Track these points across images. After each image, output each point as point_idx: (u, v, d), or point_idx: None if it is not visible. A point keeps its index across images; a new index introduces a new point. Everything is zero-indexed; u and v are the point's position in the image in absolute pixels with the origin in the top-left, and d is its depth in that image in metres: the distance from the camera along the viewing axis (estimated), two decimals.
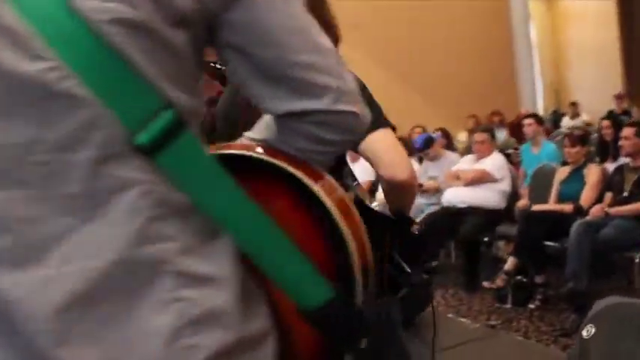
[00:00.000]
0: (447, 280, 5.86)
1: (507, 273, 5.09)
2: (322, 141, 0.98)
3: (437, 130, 7.76)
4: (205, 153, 0.89)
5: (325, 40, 0.97)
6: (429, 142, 6.41)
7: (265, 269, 0.91)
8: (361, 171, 7.46)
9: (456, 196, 5.84)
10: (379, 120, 1.68)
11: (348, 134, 0.99)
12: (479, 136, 5.93)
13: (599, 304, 3.18)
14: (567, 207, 5.08)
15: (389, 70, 10.68)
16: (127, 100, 0.82)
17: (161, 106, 0.83)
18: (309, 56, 0.93)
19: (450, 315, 4.73)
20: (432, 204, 6.23)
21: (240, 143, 1.12)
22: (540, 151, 6.51)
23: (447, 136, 7.57)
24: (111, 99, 0.81)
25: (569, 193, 5.20)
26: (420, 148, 6.50)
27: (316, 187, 0.98)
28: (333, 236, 0.98)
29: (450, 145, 7.51)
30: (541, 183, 5.73)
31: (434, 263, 6.10)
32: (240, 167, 0.94)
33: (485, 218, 5.62)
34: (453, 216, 5.76)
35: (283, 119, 0.98)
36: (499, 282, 5.13)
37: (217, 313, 0.84)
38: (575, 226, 4.59)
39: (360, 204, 1.87)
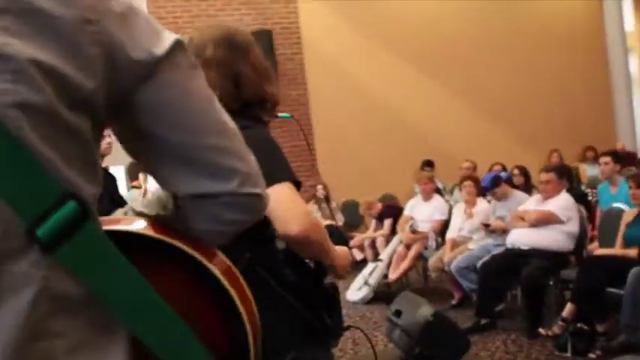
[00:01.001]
0: (512, 324, 5.65)
1: (564, 320, 4.85)
2: (226, 222, 0.99)
3: (515, 167, 7.57)
4: (109, 243, 0.84)
5: (229, 119, 0.97)
6: (496, 182, 6.26)
7: (164, 357, 0.88)
8: (433, 210, 7.41)
9: (520, 237, 5.65)
10: (275, 175, 1.68)
11: (253, 215, 1.01)
12: (544, 176, 5.71)
13: None
14: (632, 252, 4.80)
15: (475, 105, 10.51)
16: (25, 191, 0.76)
17: (63, 196, 0.79)
18: (218, 139, 0.93)
19: None
20: (499, 245, 6.05)
21: (127, 218, 1.13)
22: (618, 191, 6.19)
23: (524, 173, 7.35)
24: (6, 190, 0.76)
25: (635, 237, 4.92)
26: (486, 187, 6.35)
27: (215, 270, 1.00)
28: (230, 315, 1.01)
29: (527, 183, 7.29)
30: (610, 225, 5.45)
31: (499, 307, 5.91)
32: (130, 244, 0.94)
33: (550, 261, 5.40)
34: (516, 258, 5.57)
35: (188, 200, 0.97)
36: (556, 329, 4.90)
37: None
38: (632, 273, 4.34)
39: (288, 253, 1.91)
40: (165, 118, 0.90)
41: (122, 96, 0.86)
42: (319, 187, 9.37)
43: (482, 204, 6.70)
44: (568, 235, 5.51)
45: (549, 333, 4.95)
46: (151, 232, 1.02)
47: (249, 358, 1.03)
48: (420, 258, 7.23)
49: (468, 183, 6.80)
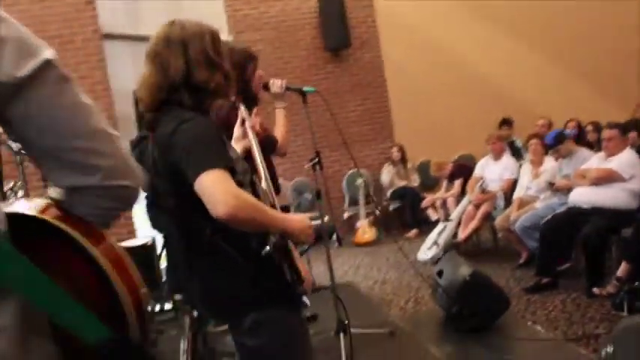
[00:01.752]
0: (574, 284, 5.60)
1: (619, 279, 4.78)
2: (101, 208, 1.23)
3: (589, 123, 7.35)
4: None
5: (99, 124, 1.18)
6: (559, 139, 6.14)
7: (52, 317, 1.13)
8: (503, 169, 7.34)
9: (581, 196, 5.56)
10: (202, 164, 1.88)
11: (123, 203, 1.25)
12: (606, 133, 5.56)
13: (622, 323, 3.01)
14: None
15: (555, 60, 10.17)
16: None
17: None
18: (83, 142, 1.15)
19: (529, 323, 4.54)
20: (564, 204, 5.96)
21: (40, 201, 1.35)
22: None
23: (598, 129, 7.13)
24: None
25: None
26: (550, 144, 6.24)
27: (93, 249, 1.23)
28: (108, 287, 1.24)
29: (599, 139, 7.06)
30: None
31: (564, 266, 5.85)
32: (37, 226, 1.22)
33: (611, 220, 5.29)
34: (577, 217, 5.49)
35: (69, 190, 1.21)
36: (610, 288, 4.84)
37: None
38: None
39: None
40: (34, 127, 1.11)
41: None
42: (394, 148, 9.44)
43: (549, 162, 6.58)
44: (630, 193, 5.36)
45: (603, 293, 4.89)
46: (42, 216, 1.24)
47: (125, 322, 1.25)
48: (489, 218, 7.22)
49: (534, 141, 6.69)
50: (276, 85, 3.58)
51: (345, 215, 9.52)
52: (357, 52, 9.78)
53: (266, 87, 3.58)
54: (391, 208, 9.37)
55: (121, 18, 8.04)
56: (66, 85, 1.15)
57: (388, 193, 9.42)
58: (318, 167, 4.13)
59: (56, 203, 1.27)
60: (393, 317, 5.06)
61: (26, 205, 1.28)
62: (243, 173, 2.08)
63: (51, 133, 1.11)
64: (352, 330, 4.34)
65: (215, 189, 1.85)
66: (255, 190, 2.12)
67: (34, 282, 1.08)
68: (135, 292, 1.28)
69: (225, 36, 9.49)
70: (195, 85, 2.02)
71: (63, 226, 1.21)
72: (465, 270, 4.33)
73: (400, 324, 4.77)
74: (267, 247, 1.99)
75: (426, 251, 7.33)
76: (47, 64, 1.11)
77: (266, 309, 2.05)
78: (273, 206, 2.23)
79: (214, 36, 2.11)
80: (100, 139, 1.17)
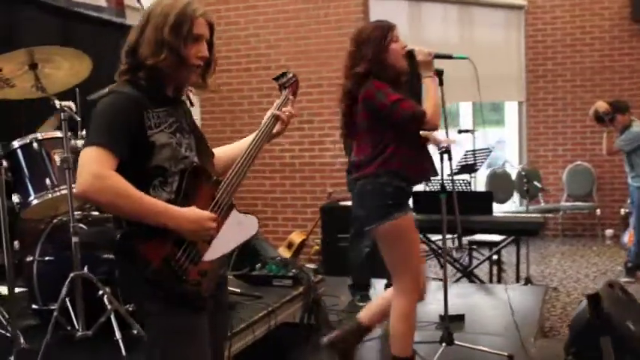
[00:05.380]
0: None
1: None
2: None
3: None
4: None
5: None
6: None
7: None
8: None
9: None
10: (91, 138, 1.97)
11: None
12: None
13: None
14: None
15: None
16: None
17: None
18: None
19: None
20: None
21: None
22: None
23: None
24: None
25: None
26: None
27: None
28: None
29: None
30: None
31: None
32: None
33: None
34: None
35: None
36: None
37: None
38: None
39: None
40: None
41: None
42: None
43: None
44: None
45: None
46: None
47: None
48: None
49: None
50: (423, 52, 3.46)
51: (622, 211, 8.40)
52: None
53: (411, 55, 3.47)
54: None
55: None
56: None
57: None
58: None
59: None
60: (541, 340, 4.38)
61: None
62: (169, 160, 2.06)
63: None
64: (470, 345, 3.90)
65: (84, 165, 1.90)
66: (181, 179, 2.07)
67: None
68: None
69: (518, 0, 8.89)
70: (139, 62, 2.05)
71: None
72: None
73: (532, 350, 4.08)
74: (118, 235, 2.02)
75: None
76: None
77: (154, 301, 2.04)
78: (214, 199, 2.13)
79: (182, 17, 2.04)
80: None
